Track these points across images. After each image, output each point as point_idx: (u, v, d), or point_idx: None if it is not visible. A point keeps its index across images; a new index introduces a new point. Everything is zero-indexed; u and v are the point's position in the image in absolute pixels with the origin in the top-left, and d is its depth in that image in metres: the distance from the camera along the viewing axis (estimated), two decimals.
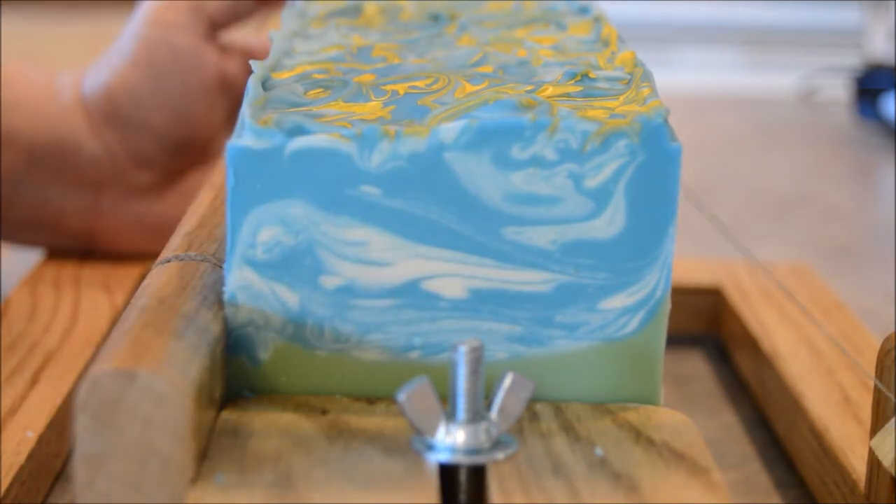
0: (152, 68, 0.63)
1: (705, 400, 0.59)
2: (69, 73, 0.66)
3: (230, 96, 0.65)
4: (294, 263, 0.40)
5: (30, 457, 0.47)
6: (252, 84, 0.43)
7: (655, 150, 0.40)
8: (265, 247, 0.40)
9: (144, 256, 0.64)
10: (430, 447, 0.38)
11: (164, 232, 0.53)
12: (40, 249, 0.67)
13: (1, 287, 0.67)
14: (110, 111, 0.63)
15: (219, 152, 0.65)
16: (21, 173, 0.63)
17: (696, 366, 0.62)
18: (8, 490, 0.45)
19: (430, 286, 0.40)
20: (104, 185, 0.64)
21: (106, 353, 0.36)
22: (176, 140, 0.64)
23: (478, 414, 0.38)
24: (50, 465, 0.49)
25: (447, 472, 0.37)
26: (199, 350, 0.38)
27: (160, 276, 0.42)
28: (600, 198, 0.40)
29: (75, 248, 0.66)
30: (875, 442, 0.42)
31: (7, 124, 0.62)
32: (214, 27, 0.65)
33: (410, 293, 0.40)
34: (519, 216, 0.40)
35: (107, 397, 0.35)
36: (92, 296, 0.61)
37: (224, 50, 0.65)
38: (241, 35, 0.67)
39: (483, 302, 0.40)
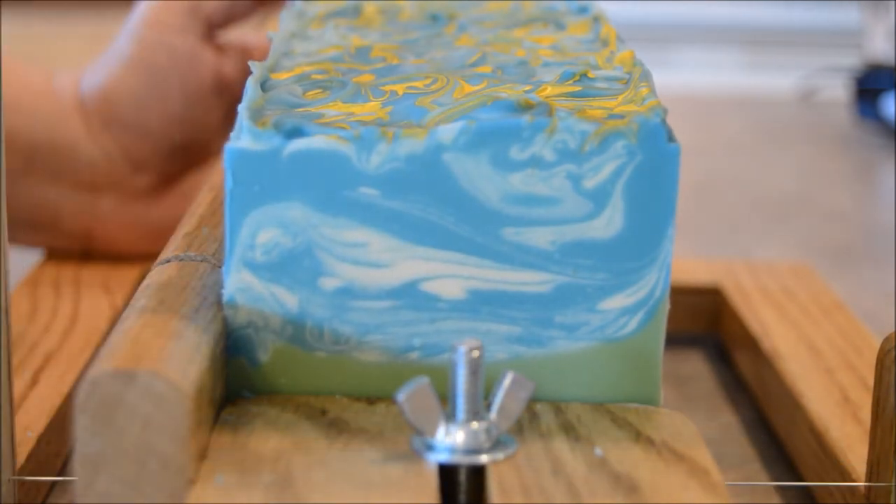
0: (149, 70, 0.63)
1: (705, 400, 0.59)
2: (67, 72, 0.65)
3: (228, 97, 0.64)
4: (293, 265, 0.40)
5: (30, 457, 0.47)
6: (250, 85, 0.43)
7: (653, 150, 0.39)
8: (264, 249, 0.40)
9: (144, 257, 0.64)
10: (430, 447, 0.38)
11: (162, 234, 0.53)
12: (39, 250, 0.67)
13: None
14: (107, 113, 0.63)
15: (217, 153, 0.65)
16: (18, 174, 0.63)
17: (696, 366, 0.62)
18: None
19: (429, 287, 0.40)
20: (102, 187, 0.64)
21: (106, 353, 0.36)
22: (173, 141, 0.64)
23: (478, 414, 0.38)
24: (50, 465, 0.49)
25: (447, 473, 0.37)
26: (199, 350, 0.38)
27: (160, 276, 0.42)
28: (599, 198, 0.40)
29: (74, 248, 0.66)
30: None
31: (4, 125, 0.62)
32: (212, 28, 0.64)
33: (409, 294, 0.40)
34: (518, 217, 0.40)
35: (106, 398, 0.35)
36: (92, 296, 0.61)
37: (221, 50, 0.65)
38: (238, 34, 0.67)
39: (482, 303, 0.40)
